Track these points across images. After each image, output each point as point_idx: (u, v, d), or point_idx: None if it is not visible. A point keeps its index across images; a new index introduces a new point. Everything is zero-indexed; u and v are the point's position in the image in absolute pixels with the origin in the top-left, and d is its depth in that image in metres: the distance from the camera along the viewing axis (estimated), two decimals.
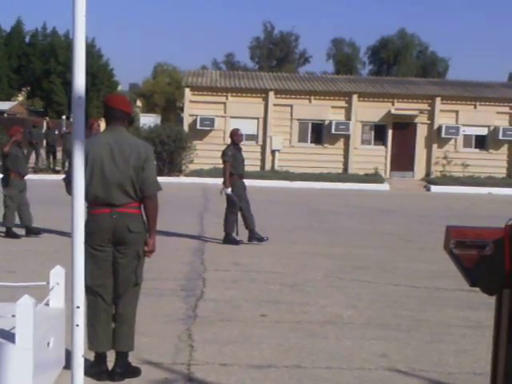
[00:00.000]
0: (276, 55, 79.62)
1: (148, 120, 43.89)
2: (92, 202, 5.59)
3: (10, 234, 13.13)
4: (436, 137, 32.91)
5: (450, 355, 6.68)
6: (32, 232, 13.24)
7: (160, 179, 6.61)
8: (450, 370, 6.26)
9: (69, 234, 12.34)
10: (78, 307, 3.67)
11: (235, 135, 13.49)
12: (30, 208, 13.46)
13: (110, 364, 5.76)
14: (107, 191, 5.59)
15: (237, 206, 13.14)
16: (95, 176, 5.58)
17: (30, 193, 13.80)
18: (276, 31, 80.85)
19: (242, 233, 13.20)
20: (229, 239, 13.21)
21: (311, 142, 32.91)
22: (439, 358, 6.57)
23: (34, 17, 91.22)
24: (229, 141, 13.86)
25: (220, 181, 13.61)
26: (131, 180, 5.60)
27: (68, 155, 26.42)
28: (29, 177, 27.73)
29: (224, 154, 13.27)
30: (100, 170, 5.59)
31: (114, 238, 5.62)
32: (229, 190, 13.13)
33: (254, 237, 13.24)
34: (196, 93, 32.58)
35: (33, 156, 30.93)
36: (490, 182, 30.48)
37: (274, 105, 32.60)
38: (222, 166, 13.51)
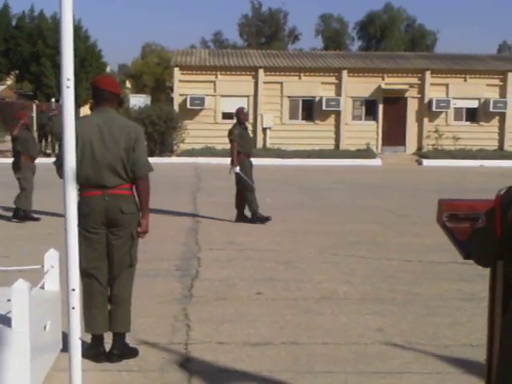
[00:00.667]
0: (265, 32, 79.26)
1: (138, 101, 43.68)
2: (83, 184, 5.57)
3: (28, 217, 13.11)
4: (427, 110, 32.91)
5: (445, 328, 6.71)
6: (25, 217, 13.17)
7: (151, 160, 6.59)
8: (446, 342, 6.29)
9: (60, 217, 12.35)
10: (74, 290, 3.68)
11: (241, 114, 13.46)
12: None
13: (108, 346, 5.77)
14: (98, 173, 5.56)
15: (248, 182, 13.11)
16: (85, 158, 5.55)
17: None
18: (264, 8, 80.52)
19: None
20: (258, 218, 13.16)
21: (302, 119, 32.88)
22: (435, 331, 6.61)
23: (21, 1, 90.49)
24: (226, 121, 13.87)
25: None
26: (122, 161, 5.58)
27: (58, 138, 26.38)
28: None
29: (231, 133, 13.24)
30: (90, 152, 5.56)
31: (107, 219, 5.60)
32: (237, 169, 13.07)
33: (243, 216, 13.28)
34: (185, 72, 32.48)
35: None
36: (481, 154, 30.57)
37: (264, 82, 32.53)
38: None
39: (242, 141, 13.20)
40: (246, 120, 13.65)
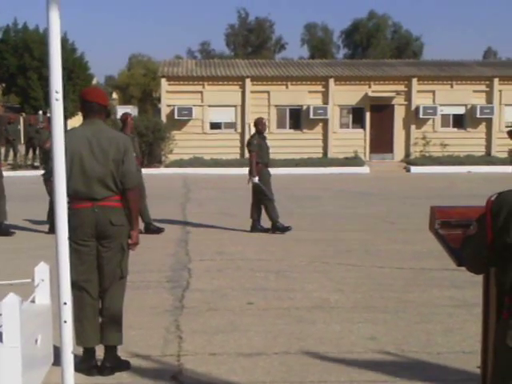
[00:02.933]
0: (252, 42, 79.43)
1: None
2: (72, 196, 5.54)
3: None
4: (414, 117, 33.00)
5: (438, 335, 6.71)
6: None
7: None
8: (439, 349, 6.28)
9: (45, 231, 12.21)
10: (65, 303, 3.64)
11: (260, 124, 13.39)
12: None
13: (99, 359, 5.73)
14: (88, 185, 5.55)
15: (267, 192, 13.08)
16: (75, 170, 5.53)
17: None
18: (251, 18, 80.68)
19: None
20: (277, 227, 13.10)
21: (290, 128, 32.91)
22: (427, 339, 6.60)
23: (3, 13, 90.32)
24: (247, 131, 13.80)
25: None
26: (111, 173, 5.56)
27: (45, 151, 26.29)
28: (8, 173, 27.51)
29: (249, 143, 13.20)
30: (79, 165, 5.54)
31: (97, 231, 5.58)
32: (256, 179, 12.99)
33: (276, 227, 13.14)
34: (172, 83, 32.47)
35: (11, 153, 30.74)
36: (469, 160, 30.64)
37: (252, 92, 32.56)
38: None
39: (261, 151, 13.14)
40: (264, 130, 13.53)
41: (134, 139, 13.36)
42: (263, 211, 13.23)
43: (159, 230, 13.07)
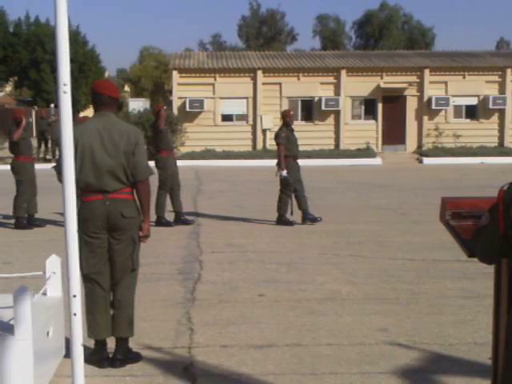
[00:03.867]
0: (264, 34, 79.21)
1: (137, 105, 43.68)
2: (84, 189, 5.56)
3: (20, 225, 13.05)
4: (426, 109, 32.87)
5: (449, 326, 6.68)
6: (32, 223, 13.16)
7: (152, 163, 6.58)
8: (451, 341, 6.26)
9: (62, 223, 12.29)
10: (75, 296, 3.65)
11: (288, 116, 13.33)
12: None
13: (111, 351, 5.75)
14: (99, 178, 5.55)
15: (292, 187, 13.05)
16: (86, 163, 5.53)
17: None
18: (263, 9, 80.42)
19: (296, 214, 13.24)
20: (283, 220, 13.10)
21: (301, 120, 32.81)
22: (439, 330, 6.58)
23: (15, 6, 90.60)
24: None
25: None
26: (122, 166, 5.56)
27: (57, 143, 26.35)
28: None
29: (277, 136, 13.12)
30: (90, 157, 5.55)
31: (108, 224, 5.58)
32: (284, 173, 12.96)
33: (307, 218, 13.16)
34: (184, 75, 32.46)
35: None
36: (482, 151, 30.53)
37: (263, 84, 32.50)
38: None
39: (289, 144, 13.09)
40: (292, 122, 13.44)
41: (167, 131, 13.39)
42: (292, 203, 13.17)
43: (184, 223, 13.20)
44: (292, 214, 13.04)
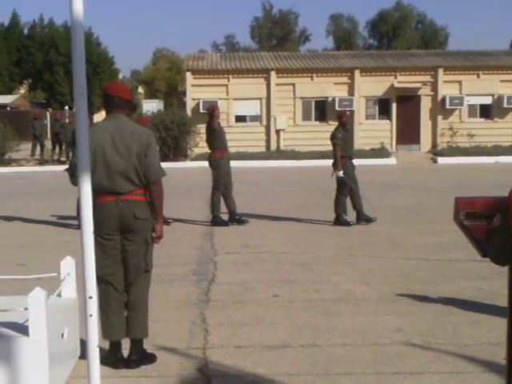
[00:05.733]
0: (276, 34, 79.26)
1: (151, 106, 43.86)
2: (96, 191, 5.56)
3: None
4: (440, 108, 32.78)
5: (464, 326, 6.66)
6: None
7: (166, 165, 6.61)
8: (466, 341, 6.24)
9: (74, 225, 12.28)
10: (91, 297, 3.67)
11: (344, 116, 13.30)
12: None
13: (126, 352, 5.76)
14: (111, 180, 5.57)
15: (348, 188, 13.04)
16: (98, 165, 5.55)
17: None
18: (275, 10, 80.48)
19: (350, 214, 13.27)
20: (340, 221, 13.09)
21: (315, 120, 32.83)
22: (454, 330, 6.56)
23: (29, 9, 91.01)
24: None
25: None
26: (135, 167, 5.58)
27: (71, 146, 26.54)
28: (35, 168, 27.77)
29: (334, 136, 13.06)
30: (103, 159, 5.57)
31: (121, 225, 5.60)
32: (341, 173, 12.92)
33: (362, 218, 13.16)
34: (197, 76, 32.53)
35: (38, 148, 30.98)
36: (496, 150, 30.39)
37: (277, 84, 32.51)
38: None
39: (345, 144, 13.09)
40: (348, 122, 13.41)
41: (221, 131, 13.41)
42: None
43: (242, 221, 13.28)
44: (346, 214, 13.06)
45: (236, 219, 13.23)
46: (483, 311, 7.16)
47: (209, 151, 13.43)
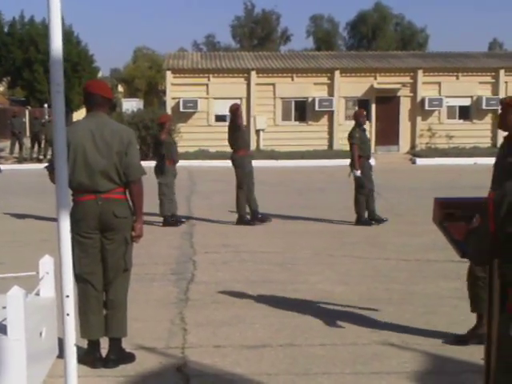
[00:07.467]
0: (257, 34, 79.21)
1: (130, 105, 43.68)
2: (76, 189, 5.56)
3: (178, 221, 13.23)
4: (420, 109, 32.93)
5: (442, 327, 6.69)
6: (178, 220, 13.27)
7: (145, 163, 6.59)
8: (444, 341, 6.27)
9: (54, 223, 12.20)
10: (68, 296, 3.65)
11: (361, 116, 13.27)
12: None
13: (104, 351, 5.74)
14: (91, 178, 5.54)
15: (366, 187, 13.05)
16: (78, 163, 5.53)
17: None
18: (257, 10, 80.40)
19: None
20: (361, 221, 13.08)
21: (295, 120, 32.86)
22: (432, 330, 6.59)
23: (9, 6, 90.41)
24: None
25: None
26: (115, 166, 5.56)
27: (51, 144, 26.40)
28: (13, 167, 27.58)
29: (351, 136, 13.07)
30: (83, 157, 5.54)
31: (101, 224, 5.58)
32: (358, 173, 12.97)
33: (373, 218, 13.20)
34: (177, 75, 32.45)
35: (17, 146, 30.77)
36: (475, 152, 30.52)
37: (257, 84, 32.51)
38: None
39: (363, 144, 13.08)
40: (365, 122, 13.41)
41: (244, 130, 13.42)
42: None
43: (264, 219, 13.29)
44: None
45: (259, 218, 13.22)
46: (461, 311, 7.19)
47: (231, 150, 13.25)
